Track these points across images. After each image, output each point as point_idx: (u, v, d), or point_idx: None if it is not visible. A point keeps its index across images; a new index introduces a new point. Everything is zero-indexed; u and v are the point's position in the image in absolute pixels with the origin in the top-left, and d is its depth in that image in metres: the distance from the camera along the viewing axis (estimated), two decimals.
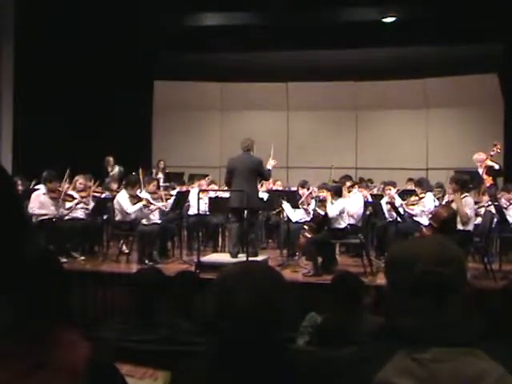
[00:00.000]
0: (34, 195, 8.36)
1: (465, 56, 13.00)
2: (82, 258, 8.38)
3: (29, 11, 11.47)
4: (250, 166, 7.86)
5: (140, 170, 9.68)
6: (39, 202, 8.30)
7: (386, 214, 8.90)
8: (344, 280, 4.01)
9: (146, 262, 7.98)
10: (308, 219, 8.53)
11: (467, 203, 7.06)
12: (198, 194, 8.49)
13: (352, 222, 8.03)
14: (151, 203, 8.46)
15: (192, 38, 13.20)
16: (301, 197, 9.11)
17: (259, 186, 10.20)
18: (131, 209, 8.27)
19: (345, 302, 3.80)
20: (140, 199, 8.37)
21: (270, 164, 8.43)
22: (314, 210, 8.24)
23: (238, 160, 7.97)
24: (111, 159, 12.38)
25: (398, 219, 8.44)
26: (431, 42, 12.87)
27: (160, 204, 8.67)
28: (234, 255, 7.83)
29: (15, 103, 11.92)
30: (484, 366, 1.41)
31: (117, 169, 12.13)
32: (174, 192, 9.52)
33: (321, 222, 7.84)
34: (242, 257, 7.73)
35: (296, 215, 8.81)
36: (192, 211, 9.28)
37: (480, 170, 9.27)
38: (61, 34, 11.89)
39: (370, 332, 1.59)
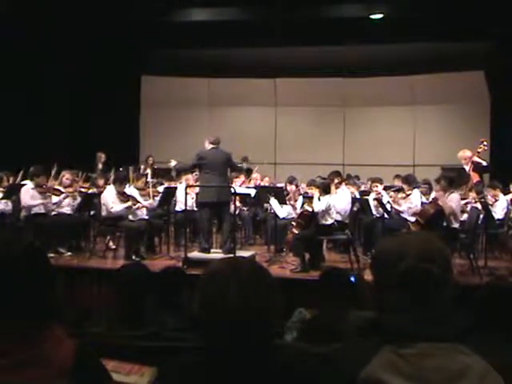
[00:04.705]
0: (23, 190, 8.26)
1: (452, 53, 13.04)
2: (69, 253, 8.34)
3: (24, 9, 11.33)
4: (224, 161, 8.06)
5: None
6: (30, 196, 8.22)
7: (373, 211, 8.93)
8: (332, 276, 4.02)
9: (133, 257, 7.95)
10: (295, 215, 8.53)
11: (453, 200, 7.11)
12: (186, 189, 8.46)
13: (339, 218, 8.03)
14: (137, 201, 8.41)
15: (179, 34, 13.12)
16: (288, 193, 9.12)
17: (247, 181, 10.26)
18: (115, 208, 8.21)
19: (332, 297, 3.81)
20: (127, 197, 8.31)
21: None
22: (302, 207, 8.24)
23: (211, 154, 8.02)
24: (103, 155, 12.31)
25: (385, 215, 8.47)
26: (418, 39, 12.90)
27: (146, 203, 8.66)
28: (208, 250, 7.93)
29: None
30: (468, 362, 1.42)
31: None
32: (161, 188, 9.48)
33: (308, 218, 7.84)
34: (220, 252, 7.88)
35: (283, 211, 8.81)
36: (179, 207, 9.26)
37: (466, 167, 9.31)
38: (46, 30, 11.77)
39: (357, 328, 1.59)
